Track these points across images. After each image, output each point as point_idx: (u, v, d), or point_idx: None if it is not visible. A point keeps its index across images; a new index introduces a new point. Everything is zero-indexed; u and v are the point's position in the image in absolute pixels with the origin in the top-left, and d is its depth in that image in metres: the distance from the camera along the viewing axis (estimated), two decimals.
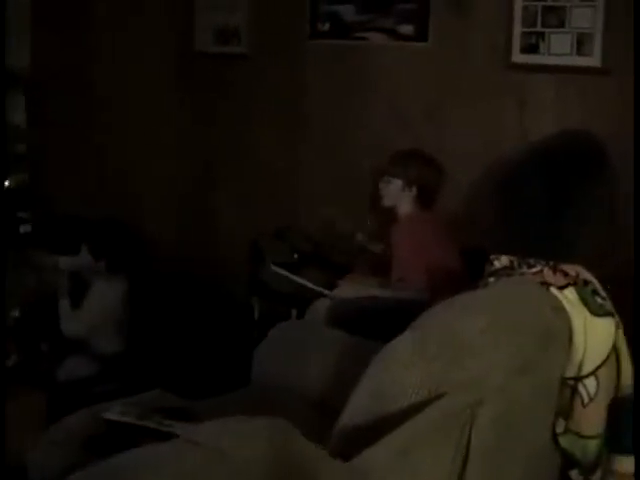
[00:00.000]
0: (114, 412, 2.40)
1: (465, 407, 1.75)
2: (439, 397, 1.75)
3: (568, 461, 2.32)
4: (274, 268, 4.32)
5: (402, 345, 1.92)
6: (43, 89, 6.17)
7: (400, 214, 4.19)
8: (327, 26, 5.05)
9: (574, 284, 2.28)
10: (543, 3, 4.28)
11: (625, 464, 2.30)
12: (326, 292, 4.17)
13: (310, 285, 4.21)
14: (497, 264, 2.39)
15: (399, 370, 1.84)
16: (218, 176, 5.73)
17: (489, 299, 2.15)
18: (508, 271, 2.35)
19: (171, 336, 4.81)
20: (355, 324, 3.55)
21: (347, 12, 4.95)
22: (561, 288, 2.25)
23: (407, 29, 4.76)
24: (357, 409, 1.88)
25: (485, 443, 1.81)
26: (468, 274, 4.05)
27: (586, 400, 2.23)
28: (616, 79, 4.17)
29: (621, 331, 2.28)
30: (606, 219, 3.82)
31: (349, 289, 4.13)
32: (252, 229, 5.24)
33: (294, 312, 4.61)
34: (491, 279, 2.39)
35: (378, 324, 3.53)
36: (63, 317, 4.15)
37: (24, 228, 5.96)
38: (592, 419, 2.25)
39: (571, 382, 2.23)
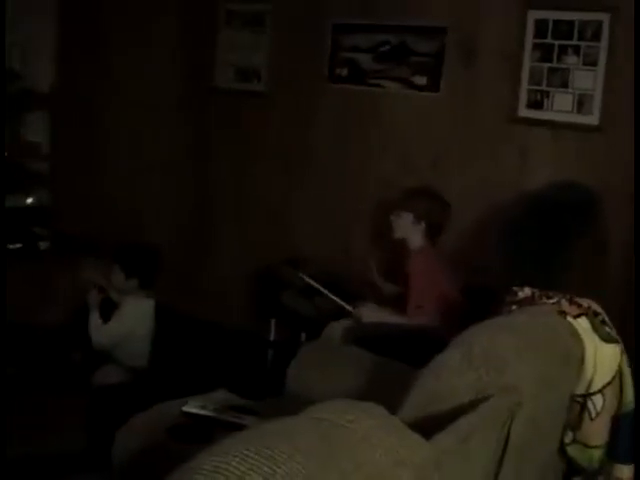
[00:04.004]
0: (192, 406, 2.74)
1: (507, 408, 2.12)
2: (486, 399, 2.12)
3: (573, 469, 2.71)
4: (307, 279, 4.65)
5: (451, 357, 2.29)
6: (67, 113, 6.52)
7: (411, 246, 4.53)
8: (345, 71, 5.44)
9: (586, 314, 2.67)
10: (549, 64, 4.70)
11: (624, 471, 2.70)
12: (349, 308, 4.52)
13: (337, 300, 4.55)
14: (520, 294, 2.78)
15: (451, 377, 2.21)
16: (225, 208, 6.09)
17: (519, 323, 2.53)
18: (530, 301, 2.74)
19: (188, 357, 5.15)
20: (370, 346, 3.91)
21: (365, 60, 5.35)
22: (576, 317, 2.65)
23: (421, 80, 5.15)
24: (412, 409, 2.24)
25: (519, 440, 2.17)
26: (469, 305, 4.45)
27: (593, 414, 2.61)
28: (610, 136, 4.58)
29: (625, 356, 2.68)
30: (594, 259, 4.29)
31: (370, 310, 4.50)
32: (260, 259, 5.61)
33: (303, 335, 4.99)
34: (514, 307, 2.78)
35: (393, 347, 3.91)
36: (93, 330, 4.45)
37: (43, 245, 6.28)
38: (598, 431, 2.64)
39: (580, 399, 2.61)
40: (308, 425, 1.68)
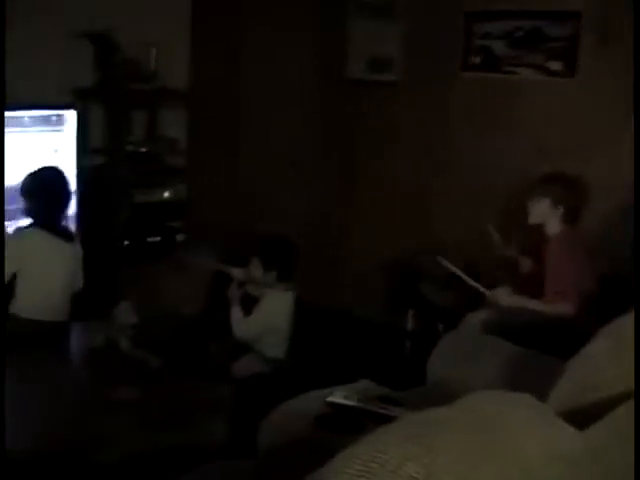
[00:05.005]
0: (337, 396, 2.77)
1: None
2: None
3: None
4: (444, 263, 4.65)
5: (600, 347, 2.25)
6: (202, 109, 6.64)
7: (549, 232, 4.48)
8: (479, 59, 5.39)
9: None
10: None
11: None
12: (486, 292, 4.53)
13: (474, 284, 4.56)
14: None
15: (601, 367, 2.18)
16: (361, 198, 6.11)
17: None
18: None
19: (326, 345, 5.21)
20: (509, 336, 3.88)
21: (499, 47, 5.30)
22: None
23: (556, 65, 5.08)
24: (560, 401, 2.22)
25: None
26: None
27: None
28: None
29: None
30: None
31: (506, 294, 4.49)
32: (397, 249, 5.62)
33: (441, 326, 4.97)
34: None
35: (532, 337, 3.86)
36: (235, 323, 4.52)
37: (180, 237, 6.43)
38: None
39: None
40: (463, 416, 1.68)
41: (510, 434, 1.66)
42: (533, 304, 4.33)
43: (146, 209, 6.25)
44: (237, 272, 4.63)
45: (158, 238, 6.34)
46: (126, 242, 6.11)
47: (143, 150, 6.34)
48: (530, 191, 4.57)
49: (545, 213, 4.48)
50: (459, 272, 4.62)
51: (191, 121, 6.72)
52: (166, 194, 6.41)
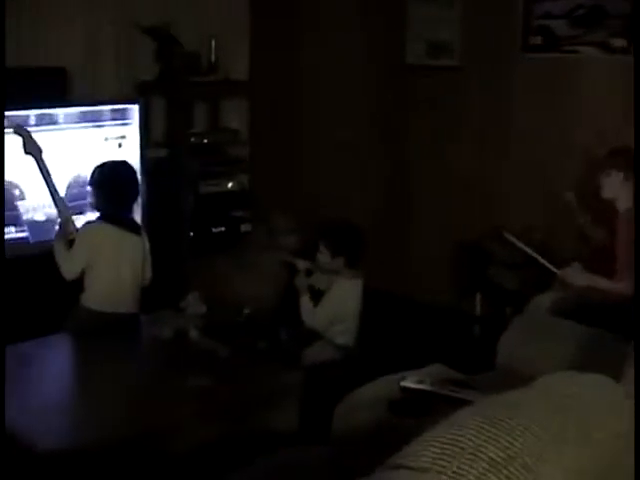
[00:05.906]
0: (410, 381, 2.79)
1: None
2: None
3: None
4: (512, 239, 4.63)
5: None
6: (263, 99, 6.68)
7: (621, 207, 4.38)
8: (539, 39, 5.33)
9: None
10: None
11: None
12: (555, 270, 4.48)
13: (544, 261, 4.52)
14: None
15: None
16: (424, 183, 6.09)
17: None
18: None
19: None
20: (579, 318, 3.84)
21: (559, 26, 5.23)
22: None
23: (620, 42, 5.00)
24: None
25: None
26: None
27: None
28: None
29: None
30: None
31: (575, 272, 4.45)
32: (460, 234, 5.61)
33: (508, 309, 4.95)
34: None
35: (602, 318, 3.82)
36: (304, 312, 4.52)
37: (245, 227, 6.48)
38: None
39: None
40: (539, 398, 1.69)
41: (585, 415, 1.66)
42: (604, 283, 4.27)
43: (210, 200, 6.32)
44: (303, 263, 4.63)
45: (223, 228, 6.39)
46: (192, 233, 6.17)
47: (206, 141, 6.40)
48: (602, 164, 4.49)
49: (617, 187, 4.39)
50: (527, 249, 4.57)
51: (252, 111, 6.76)
52: (230, 184, 6.47)
